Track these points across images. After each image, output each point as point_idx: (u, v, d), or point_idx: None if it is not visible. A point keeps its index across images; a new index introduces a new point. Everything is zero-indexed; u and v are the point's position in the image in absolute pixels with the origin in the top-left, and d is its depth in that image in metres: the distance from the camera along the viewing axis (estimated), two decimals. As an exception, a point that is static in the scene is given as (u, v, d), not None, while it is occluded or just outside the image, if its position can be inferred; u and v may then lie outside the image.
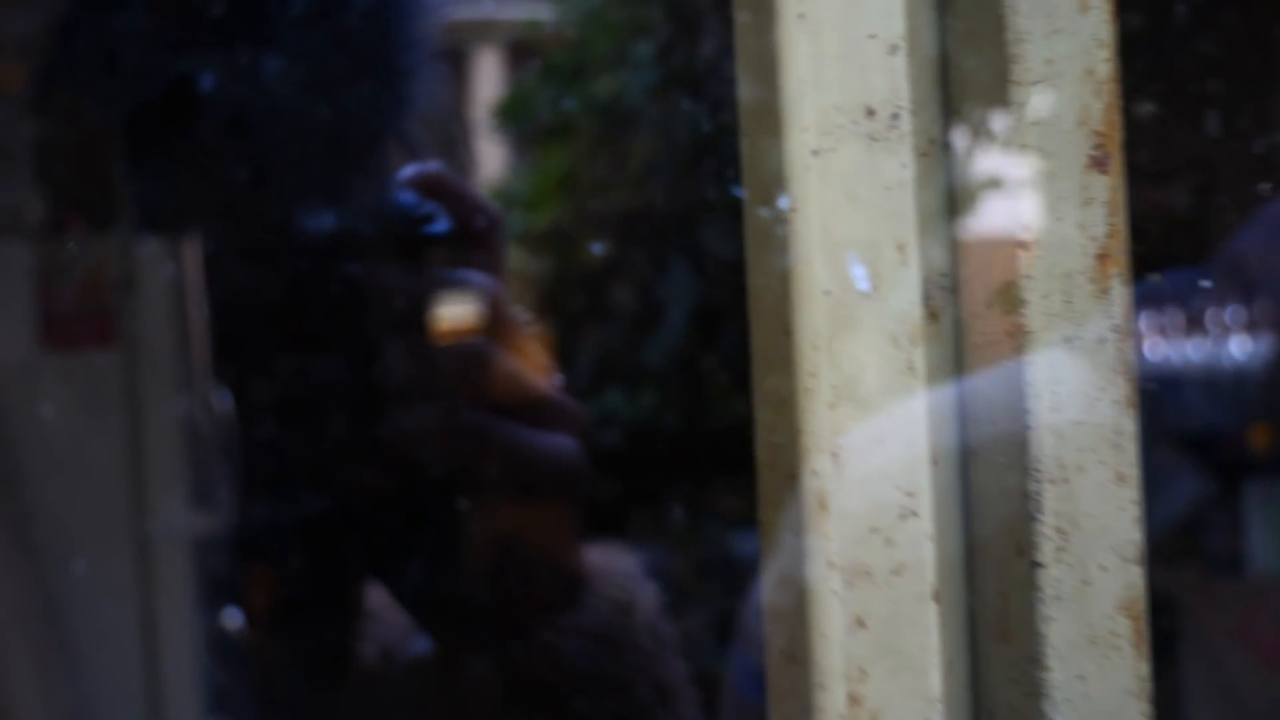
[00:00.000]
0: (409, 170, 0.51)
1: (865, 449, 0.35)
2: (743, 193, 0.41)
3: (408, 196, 0.51)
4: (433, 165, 0.51)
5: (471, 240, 0.49)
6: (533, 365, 0.57)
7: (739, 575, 1.78)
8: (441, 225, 0.49)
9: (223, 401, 1.08)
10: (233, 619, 1.08)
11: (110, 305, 0.91)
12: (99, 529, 0.88)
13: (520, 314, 0.52)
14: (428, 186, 0.50)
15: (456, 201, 0.49)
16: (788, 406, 0.36)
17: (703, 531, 1.98)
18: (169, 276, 0.92)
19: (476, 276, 0.50)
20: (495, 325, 0.51)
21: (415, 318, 0.52)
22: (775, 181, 0.37)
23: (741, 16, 0.38)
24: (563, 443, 0.55)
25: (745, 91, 0.38)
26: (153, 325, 0.92)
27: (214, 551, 1.04)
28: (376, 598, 0.73)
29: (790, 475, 0.36)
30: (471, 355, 0.50)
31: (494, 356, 0.50)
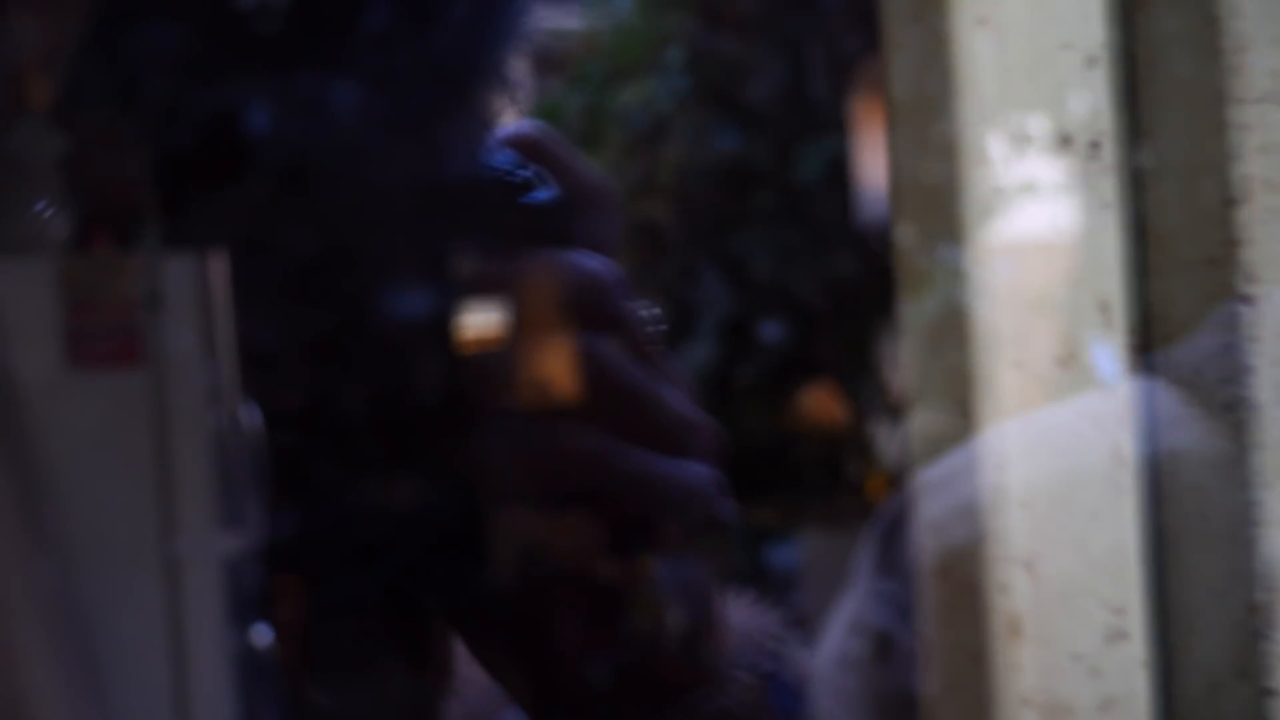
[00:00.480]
0: (506, 128, 0.42)
1: (1065, 557, 0.30)
2: (898, 235, 0.34)
3: (503, 158, 0.43)
4: (534, 123, 0.43)
5: (581, 215, 0.41)
6: (657, 372, 0.43)
7: (769, 586, 1.76)
8: (546, 194, 0.42)
9: (251, 417, 1.08)
10: (262, 636, 1.07)
11: (136, 323, 0.90)
12: (127, 548, 0.87)
13: (641, 306, 0.43)
14: (529, 148, 0.41)
15: (563, 168, 0.40)
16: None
17: (731, 541, 1.97)
18: (196, 292, 0.92)
19: (589, 259, 0.40)
20: (610, 321, 0.41)
21: (512, 308, 0.42)
22: (943, 225, 0.32)
23: (896, 22, 0.32)
24: (697, 473, 0.44)
25: (900, 116, 0.33)
26: (180, 343, 0.91)
27: (243, 569, 1.03)
28: (463, 656, 0.61)
29: (968, 587, 0.31)
30: (584, 359, 0.41)
31: (611, 361, 0.41)
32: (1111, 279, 0.31)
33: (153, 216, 1.21)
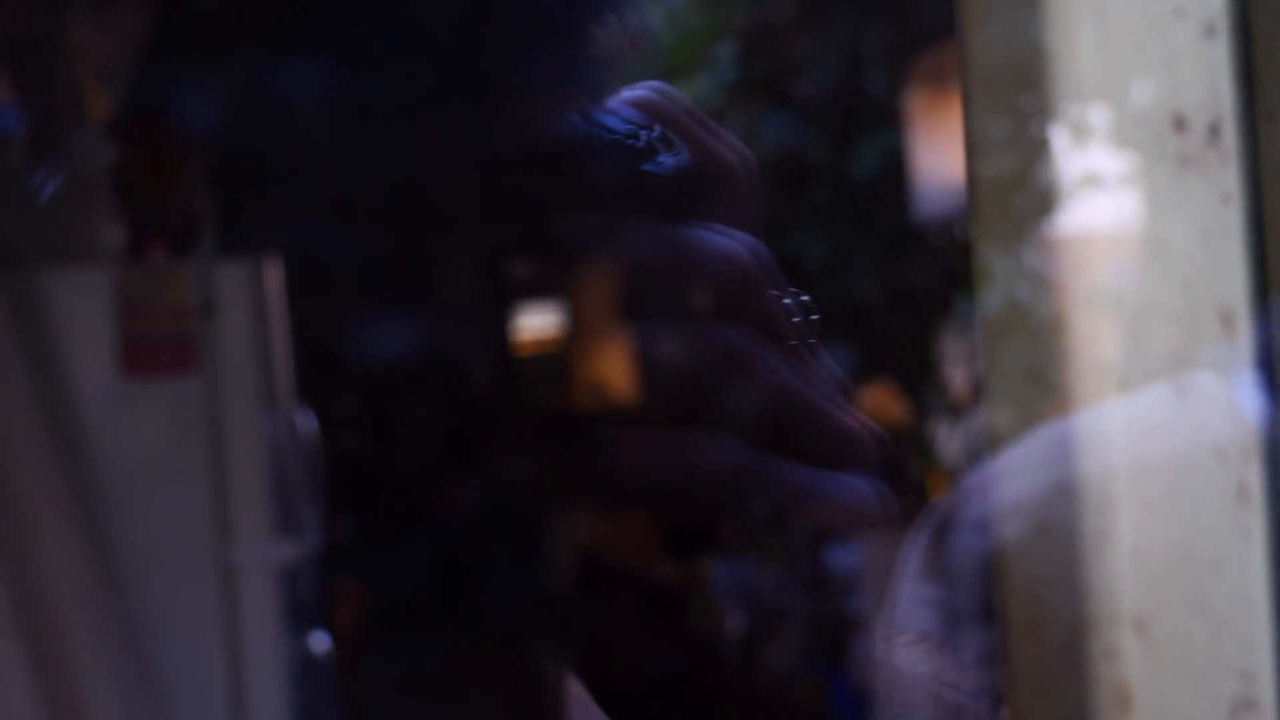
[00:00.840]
0: (624, 90, 0.36)
1: (1183, 616, 0.26)
2: (972, 235, 0.28)
3: (623, 119, 0.39)
4: (658, 84, 0.37)
5: (715, 186, 0.36)
6: (808, 371, 0.37)
7: (830, 590, 1.74)
8: (674, 160, 0.37)
9: (307, 423, 1.08)
10: (320, 644, 1.07)
11: (191, 331, 0.90)
12: (183, 558, 0.87)
13: (788, 294, 0.39)
14: (652, 110, 0.36)
15: (692, 133, 0.34)
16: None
17: (791, 544, 1.95)
18: (251, 298, 0.92)
19: (726, 236, 0.34)
20: (753, 311, 0.34)
21: (641, 291, 0.34)
22: (1025, 222, 0.28)
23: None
24: (859, 489, 0.37)
25: (981, 95, 0.28)
26: (235, 349, 0.91)
27: (300, 577, 1.03)
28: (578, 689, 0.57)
29: (1066, 651, 0.26)
30: (726, 354, 0.34)
31: (755, 358, 0.35)
32: (1235, 285, 0.27)
33: (209, 224, 1.21)
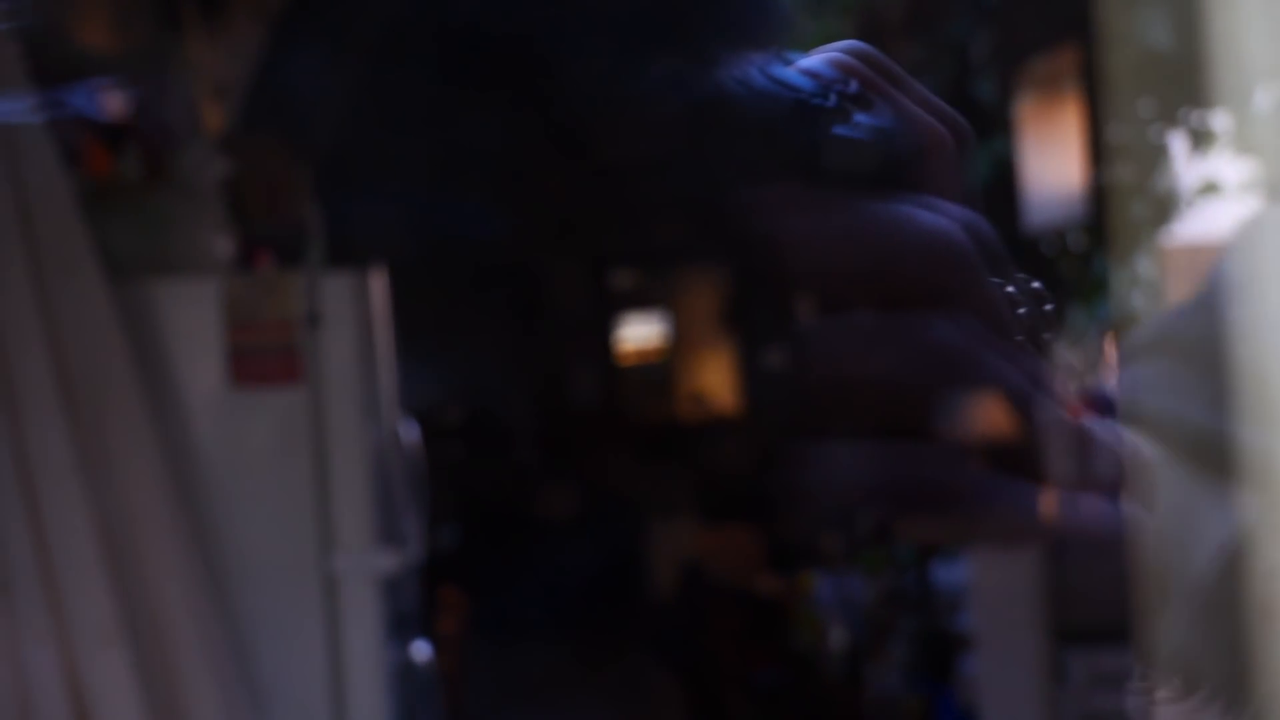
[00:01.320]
0: (817, 49, 0.33)
1: None
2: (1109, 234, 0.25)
3: (812, 75, 0.31)
4: (856, 43, 0.32)
5: (921, 155, 0.28)
6: (1040, 371, 0.31)
7: (935, 606, 1.71)
8: (872, 123, 0.29)
9: (411, 433, 1.08)
10: (422, 652, 1.08)
11: (297, 342, 0.92)
12: (288, 566, 0.88)
13: (1013, 279, 0.31)
14: (850, 70, 0.30)
15: (895, 94, 0.29)
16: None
17: (896, 559, 1.91)
18: (356, 310, 0.93)
19: (939, 209, 0.28)
20: (972, 299, 0.28)
21: (837, 272, 0.32)
22: (1141, 224, 0.24)
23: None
24: (1102, 513, 0.30)
25: (1130, 86, 0.23)
26: (339, 361, 0.92)
27: (402, 585, 1.04)
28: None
29: None
30: (939, 353, 0.27)
31: (979, 356, 0.28)
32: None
33: (317, 235, 1.22)
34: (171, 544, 0.79)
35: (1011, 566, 1.28)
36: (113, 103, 1.37)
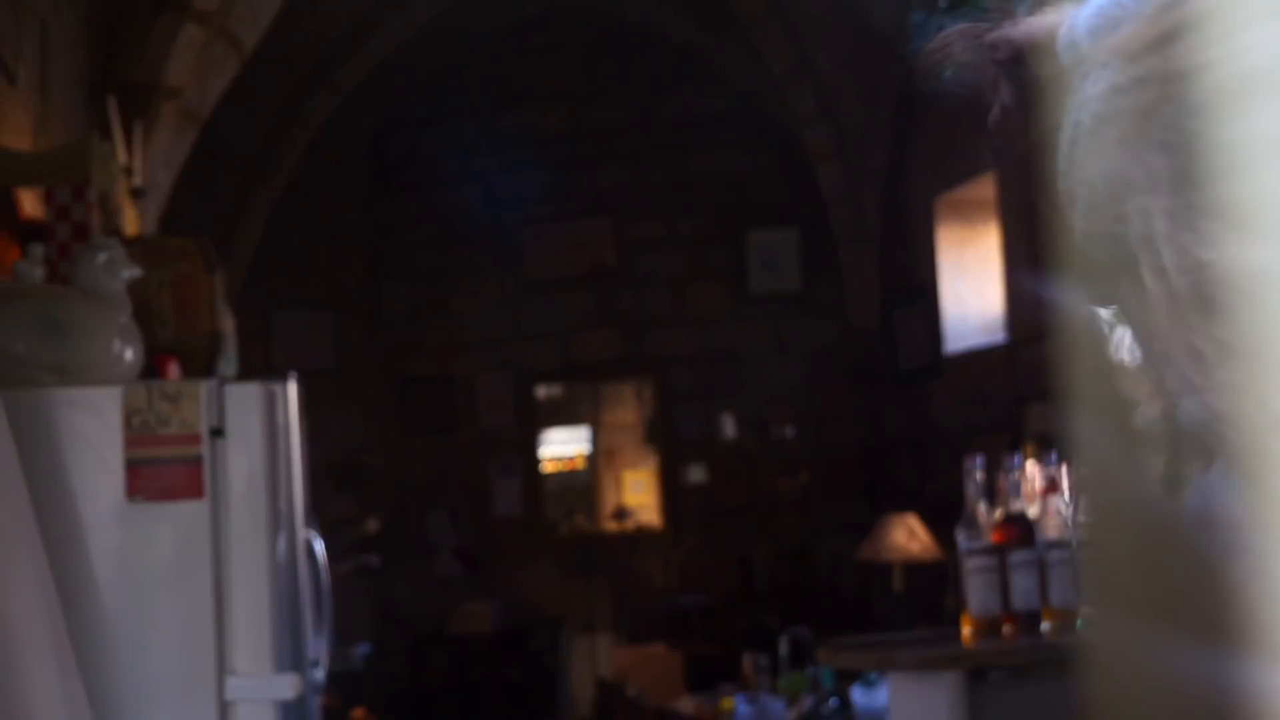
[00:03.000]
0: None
1: None
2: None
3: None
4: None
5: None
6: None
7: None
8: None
9: (317, 548, 1.05)
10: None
11: (200, 454, 0.88)
12: (182, 691, 0.84)
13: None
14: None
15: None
16: None
17: (815, 682, 1.90)
18: (265, 422, 0.90)
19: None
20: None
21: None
22: None
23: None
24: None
25: None
26: (244, 474, 0.89)
27: (305, 710, 0.99)
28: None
29: None
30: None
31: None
32: None
33: (231, 344, 1.18)
34: (57, 673, 0.75)
35: (931, 696, 1.26)
36: (26, 201, 1.35)
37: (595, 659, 4.03)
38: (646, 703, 2.34)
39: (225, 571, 0.84)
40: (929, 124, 2.95)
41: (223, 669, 0.81)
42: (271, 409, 0.88)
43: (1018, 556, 1.21)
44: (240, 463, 0.84)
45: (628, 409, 4.66)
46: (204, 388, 0.85)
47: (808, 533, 3.94)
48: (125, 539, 0.85)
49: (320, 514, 1.27)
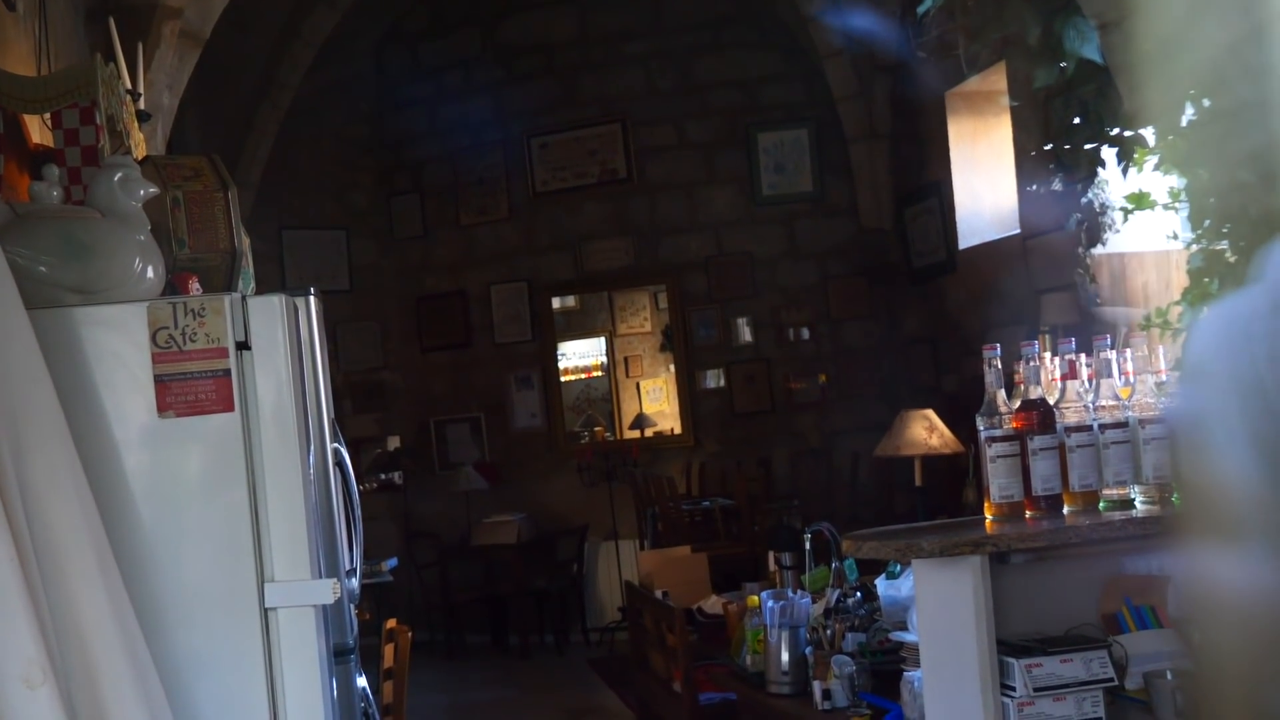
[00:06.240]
0: None
1: None
2: None
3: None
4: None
5: None
6: None
7: (878, 621, 1.71)
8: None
9: (345, 459, 1.06)
10: (361, 681, 1.06)
11: (228, 368, 0.89)
12: (223, 599, 0.86)
13: None
14: None
15: None
16: None
17: (839, 576, 1.91)
18: (286, 334, 0.91)
19: None
20: None
21: None
22: None
23: None
24: None
25: None
26: (271, 386, 0.89)
27: (342, 617, 1.01)
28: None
29: None
30: None
31: None
32: None
33: (248, 260, 1.19)
34: (101, 580, 0.76)
35: (954, 581, 1.27)
36: (34, 128, 1.34)
37: (621, 565, 4.08)
38: (675, 604, 2.38)
39: (260, 482, 0.85)
40: (939, 15, 2.90)
41: (262, 577, 0.83)
42: (295, 322, 0.89)
43: (1038, 441, 1.22)
44: (268, 375, 0.85)
45: (643, 318, 4.68)
46: (228, 301, 0.85)
47: (827, 432, 3.97)
48: (159, 455, 0.86)
49: (343, 434, 1.28)
